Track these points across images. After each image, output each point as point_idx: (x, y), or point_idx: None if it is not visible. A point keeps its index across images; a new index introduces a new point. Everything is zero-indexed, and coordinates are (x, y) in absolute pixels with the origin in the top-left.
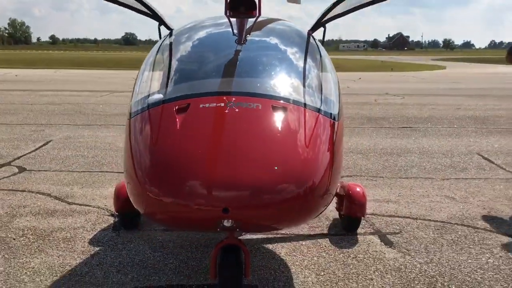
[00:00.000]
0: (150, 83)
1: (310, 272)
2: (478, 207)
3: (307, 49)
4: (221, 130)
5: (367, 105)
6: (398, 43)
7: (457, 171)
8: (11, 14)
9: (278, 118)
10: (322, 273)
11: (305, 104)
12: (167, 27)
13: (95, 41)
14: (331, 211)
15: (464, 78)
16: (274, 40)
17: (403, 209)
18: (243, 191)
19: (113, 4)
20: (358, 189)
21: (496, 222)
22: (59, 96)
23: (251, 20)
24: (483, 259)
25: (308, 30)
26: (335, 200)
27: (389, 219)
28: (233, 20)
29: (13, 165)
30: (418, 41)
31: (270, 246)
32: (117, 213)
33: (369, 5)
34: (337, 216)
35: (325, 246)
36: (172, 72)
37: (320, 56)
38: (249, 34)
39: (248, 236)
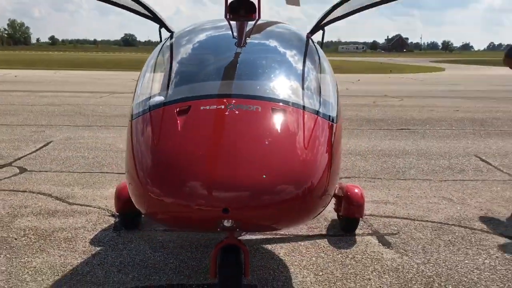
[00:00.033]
0: (151, 85)
1: (309, 272)
2: (475, 209)
3: (306, 52)
4: (222, 132)
5: (366, 107)
6: (397, 45)
7: (454, 173)
8: (10, 14)
9: (278, 120)
10: (321, 273)
11: (304, 106)
12: (168, 30)
13: (95, 42)
14: (329, 212)
15: (463, 80)
16: (273, 43)
17: (401, 210)
18: (243, 192)
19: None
20: (356, 190)
21: (493, 223)
22: (59, 97)
23: (250, 23)
24: (480, 259)
25: (307, 33)
26: (333, 201)
27: (387, 220)
28: (233, 23)
29: (14, 165)
30: (417, 43)
31: (269, 247)
32: (117, 214)
33: (367, 8)
34: (336, 217)
35: (324, 247)
36: (173, 75)
37: (319, 58)
38: (249, 37)
39: (248, 236)
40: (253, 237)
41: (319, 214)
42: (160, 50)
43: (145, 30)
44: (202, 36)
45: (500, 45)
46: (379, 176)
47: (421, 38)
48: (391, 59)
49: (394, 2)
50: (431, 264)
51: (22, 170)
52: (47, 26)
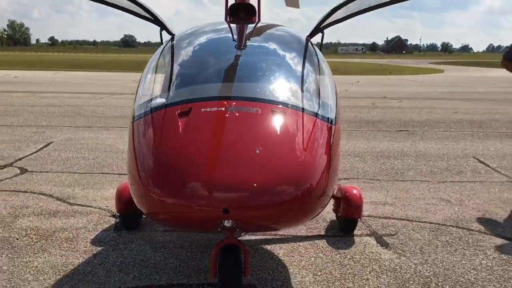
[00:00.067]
0: (152, 87)
1: (308, 272)
2: (473, 210)
3: (305, 54)
4: (222, 133)
5: (365, 109)
6: (397, 46)
7: (453, 174)
8: (10, 15)
9: (277, 122)
10: (319, 273)
11: (303, 108)
12: (169, 32)
13: (94, 43)
14: (328, 212)
15: (462, 82)
16: (273, 46)
17: (399, 211)
18: (243, 193)
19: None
20: (355, 191)
21: (490, 224)
22: (59, 98)
23: (250, 26)
24: (477, 260)
25: (307, 36)
26: (332, 202)
27: (385, 221)
28: (233, 26)
29: (14, 166)
30: (417, 45)
31: (268, 247)
32: (118, 214)
33: (366, 12)
34: (334, 218)
35: (322, 247)
36: (174, 77)
37: (318, 61)
38: (249, 40)
39: (247, 237)
40: (253, 237)
41: (318, 214)
42: (161, 52)
43: (145, 31)
44: (202, 39)
45: (499, 46)
46: (377, 178)
47: (420, 39)
48: (390, 61)
49: (392, 5)
50: (429, 265)
51: (23, 170)
52: (47, 27)
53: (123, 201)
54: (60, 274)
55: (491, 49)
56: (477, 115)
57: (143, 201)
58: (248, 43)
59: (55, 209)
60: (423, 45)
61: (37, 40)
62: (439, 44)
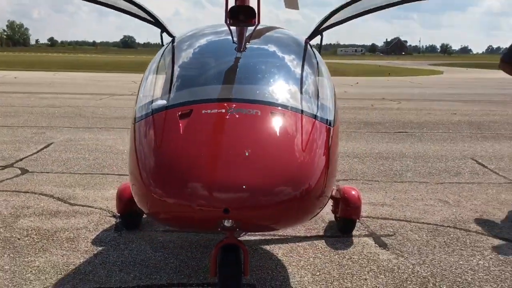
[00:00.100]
0: (153, 89)
1: (306, 272)
2: (471, 211)
3: (304, 56)
4: (222, 135)
5: (364, 110)
6: (396, 47)
7: (451, 176)
8: (9, 16)
9: (276, 124)
10: (318, 273)
11: (302, 110)
12: (169, 34)
13: (94, 43)
14: (327, 213)
15: (461, 84)
16: (272, 48)
17: (397, 212)
18: (243, 193)
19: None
20: (353, 192)
21: (487, 225)
22: (59, 98)
23: (250, 28)
24: (474, 260)
25: (306, 38)
26: (331, 202)
27: (383, 221)
28: (233, 28)
29: (15, 166)
30: (416, 46)
31: (267, 247)
32: (119, 214)
33: (365, 14)
34: (333, 219)
35: (321, 248)
36: (174, 79)
37: (317, 63)
38: (249, 42)
39: (247, 237)
40: (252, 238)
41: (316, 215)
42: (162, 54)
43: (144, 32)
44: (203, 41)
45: (498, 48)
46: (376, 179)
47: (419, 41)
48: (389, 62)
49: (391, 8)
50: (426, 265)
51: (24, 171)
52: (46, 27)
53: (124, 201)
54: (61, 274)
55: (490, 50)
56: (476, 117)
57: (144, 201)
58: (248, 45)
59: (56, 209)
60: (422, 46)
61: (37, 41)
62: (438, 46)
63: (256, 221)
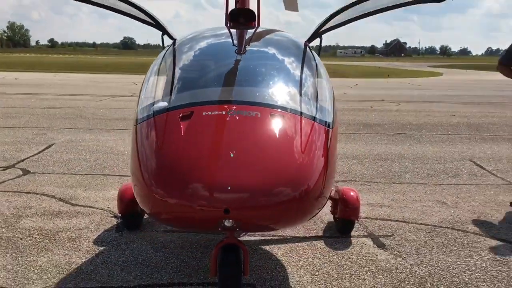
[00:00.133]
0: (155, 91)
1: (305, 272)
2: (469, 212)
3: (303, 59)
4: (223, 136)
5: (363, 112)
6: (396, 49)
7: (449, 177)
8: (10, 17)
9: (276, 126)
10: (317, 273)
11: (301, 112)
12: (170, 37)
13: (94, 45)
14: (326, 214)
15: (460, 85)
16: (272, 51)
17: (395, 213)
18: (243, 193)
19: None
20: (352, 193)
21: (485, 226)
22: (59, 100)
23: (250, 31)
24: (471, 261)
25: (305, 41)
26: (330, 203)
27: (382, 222)
28: (233, 31)
29: (17, 167)
30: (415, 48)
31: (267, 247)
32: (120, 215)
33: (365, 17)
34: (332, 219)
35: (320, 248)
36: (176, 81)
37: (316, 65)
38: (249, 45)
39: (247, 237)
40: (252, 238)
41: (315, 215)
42: (163, 56)
43: (144, 34)
44: (203, 44)
45: (498, 50)
46: (375, 180)
47: (419, 42)
48: (389, 64)
49: (389, 10)
50: (424, 265)
51: (26, 172)
52: (47, 28)
53: (125, 202)
54: (63, 273)
55: (489, 52)
56: (475, 118)
57: (146, 201)
58: (248, 48)
59: (57, 209)
60: (422, 48)
61: (37, 42)
62: (438, 47)
63: (256, 221)
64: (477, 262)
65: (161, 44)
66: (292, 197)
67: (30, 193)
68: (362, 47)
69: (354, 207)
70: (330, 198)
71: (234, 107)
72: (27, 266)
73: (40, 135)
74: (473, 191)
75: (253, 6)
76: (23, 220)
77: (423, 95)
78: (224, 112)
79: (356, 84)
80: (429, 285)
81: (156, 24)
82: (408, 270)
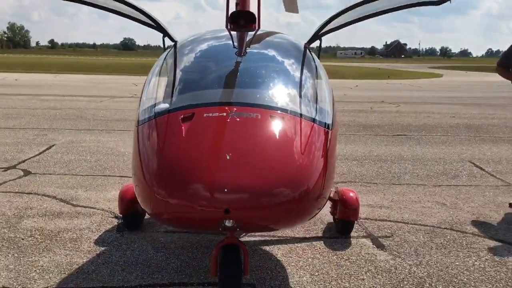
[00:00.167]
0: (156, 92)
1: (305, 272)
2: (468, 213)
3: (303, 61)
4: (223, 138)
5: (363, 113)
6: (396, 50)
7: (449, 178)
8: (10, 18)
9: (276, 127)
10: (316, 274)
11: (301, 114)
12: (171, 39)
13: (94, 46)
14: (325, 215)
15: (460, 87)
16: (272, 53)
17: (395, 214)
18: (243, 194)
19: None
20: (351, 194)
21: (484, 227)
22: (60, 100)
23: (250, 33)
24: (470, 261)
25: (305, 43)
26: (329, 204)
27: (381, 223)
28: (233, 33)
29: (18, 168)
30: (416, 49)
31: (267, 248)
32: (121, 215)
33: (364, 19)
34: (332, 220)
35: (320, 248)
36: (177, 83)
37: (316, 67)
38: (249, 47)
39: (247, 237)
40: (252, 238)
41: (314, 216)
42: (164, 58)
43: (144, 35)
44: (204, 46)
45: (498, 51)
46: (374, 181)
47: (419, 44)
48: (389, 65)
49: (389, 12)
50: (423, 266)
51: (27, 172)
52: (47, 29)
53: (126, 202)
54: (65, 273)
55: (490, 53)
56: (474, 120)
57: (147, 201)
58: (248, 50)
59: (58, 210)
60: (422, 49)
61: (37, 43)
62: (438, 49)
63: (256, 221)
64: (475, 263)
65: (161, 46)
66: (292, 197)
67: (31, 193)
68: (362, 48)
69: (354, 208)
70: (330, 199)
71: (235, 109)
72: (28, 266)
73: (41, 136)
74: (472, 192)
75: (253, 8)
76: (24, 221)
77: (423, 96)
78: (225, 114)
79: (356, 85)
80: (427, 285)
81: (157, 26)
82: (407, 270)
